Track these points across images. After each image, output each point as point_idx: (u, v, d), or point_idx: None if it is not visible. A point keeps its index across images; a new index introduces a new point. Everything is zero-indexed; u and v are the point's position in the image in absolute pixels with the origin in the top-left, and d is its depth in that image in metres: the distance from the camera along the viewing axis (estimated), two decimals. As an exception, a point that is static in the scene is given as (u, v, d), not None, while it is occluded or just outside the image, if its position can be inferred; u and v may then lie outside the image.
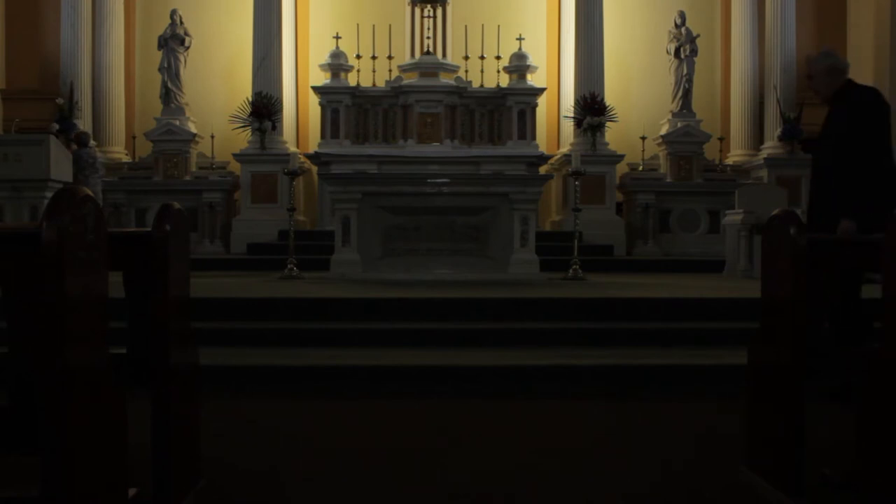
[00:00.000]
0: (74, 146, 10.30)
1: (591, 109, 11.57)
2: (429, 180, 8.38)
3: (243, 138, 11.78)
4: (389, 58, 12.43)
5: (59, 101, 11.44)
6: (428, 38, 12.42)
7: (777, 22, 12.15)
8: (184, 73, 12.37)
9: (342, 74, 12.25)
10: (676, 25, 12.55)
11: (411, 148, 11.92)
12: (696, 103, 12.54)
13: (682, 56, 12.39)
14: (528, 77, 12.39)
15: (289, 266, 8.48)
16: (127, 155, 12.67)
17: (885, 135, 4.51)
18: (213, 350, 4.64)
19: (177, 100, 12.27)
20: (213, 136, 12.27)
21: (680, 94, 12.43)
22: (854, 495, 2.54)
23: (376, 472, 3.23)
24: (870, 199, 4.35)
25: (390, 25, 12.52)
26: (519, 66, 12.32)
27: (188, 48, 12.43)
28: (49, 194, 8.25)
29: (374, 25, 12.35)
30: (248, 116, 11.54)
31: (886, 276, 2.41)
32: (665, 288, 7.22)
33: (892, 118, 4.60)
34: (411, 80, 12.14)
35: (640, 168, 12.37)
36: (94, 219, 2.17)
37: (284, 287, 7.34)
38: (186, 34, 12.41)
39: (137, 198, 11.83)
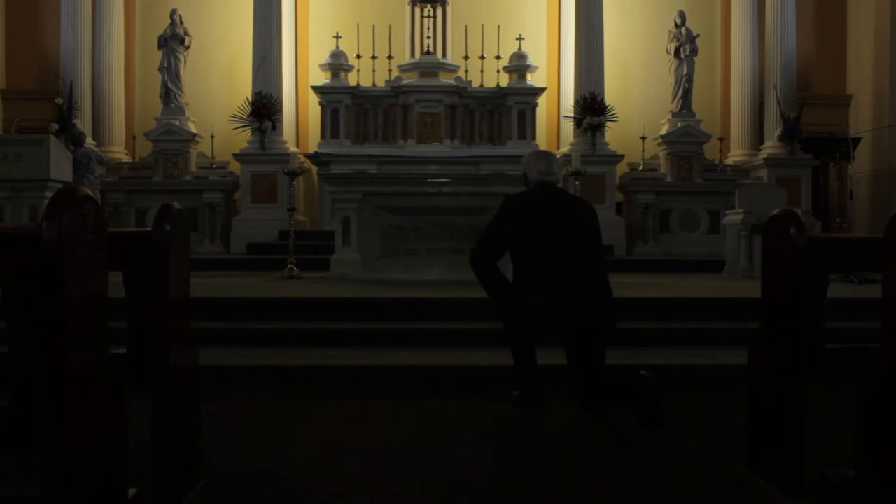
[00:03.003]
0: (71, 146, 10.29)
1: (591, 109, 11.56)
2: (429, 180, 8.36)
3: (243, 138, 11.77)
4: (389, 58, 12.43)
5: (59, 100, 11.43)
6: (428, 38, 12.42)
7: (777, 22, 12.14)
8: (184, 73, 12.36)
9: (342, 74, 12.24)
10: (676, 25, 12.53)
11: (411, 148, 11.92)
12: (696, 103, 12.52)
13: (682, 56, 12.37)
14: (528, 77, 12.38)
15: (289, 266, 8.48)
16: (127, 155, 12.66)
17: (499, 238, 4.43)
18: (213, 350, 4.64)
19: (177, 100, 12.26)
20: (213, 136, 12.25)
21: (680, 94, 12.42)
22: (854, 495, 2.54)
23: (376, 472, 3.23)
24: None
25: (390, 25, 12.51)
26: (519, 66, 12.31)
27: (188, 48, 12.42)
28: (49, 194, 8.24)
29: (374, 25, 12.34)
30: (248, 116, 11.52)
31: (886, 276, 2.41)
32: (665, 288, 7.22)
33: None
34: (411, 80, 12.13)
35: (640, 168, 12.35)
36: (94, 219, 2.17)
37: (284, 287, 7.34)
38: (186, 34, 12.40)
39: (137, 198, 11.82)
